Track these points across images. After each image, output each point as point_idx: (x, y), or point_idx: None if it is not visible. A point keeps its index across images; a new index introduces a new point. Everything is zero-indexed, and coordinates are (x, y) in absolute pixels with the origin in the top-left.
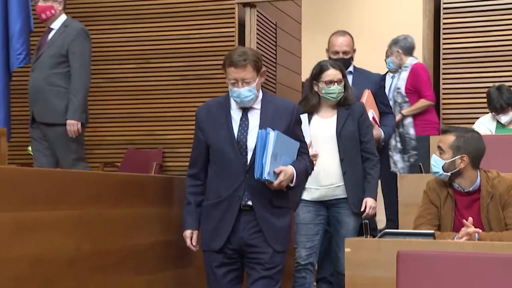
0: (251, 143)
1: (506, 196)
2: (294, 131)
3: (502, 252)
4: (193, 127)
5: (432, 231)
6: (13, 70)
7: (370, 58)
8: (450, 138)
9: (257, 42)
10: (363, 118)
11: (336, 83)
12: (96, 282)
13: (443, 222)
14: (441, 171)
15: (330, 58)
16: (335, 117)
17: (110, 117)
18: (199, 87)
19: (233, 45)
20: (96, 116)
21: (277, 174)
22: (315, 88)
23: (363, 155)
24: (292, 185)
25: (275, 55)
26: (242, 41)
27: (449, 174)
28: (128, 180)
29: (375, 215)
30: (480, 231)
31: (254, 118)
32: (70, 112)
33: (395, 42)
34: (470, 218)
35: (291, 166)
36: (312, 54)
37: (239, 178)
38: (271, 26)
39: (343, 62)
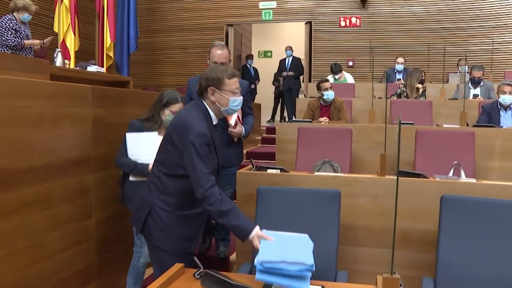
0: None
1: (339, 106)
2: None
3: (338, 127)
4: None
5: (311, 120)
6: (131, 53)
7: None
8: (329, 83)
9: (233, 45)
10: None
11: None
12: None
13: (315, 117)
14: (332, 96)
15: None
16: None
17: (167, 74)
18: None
19: None
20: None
21: None
22: None
23: None
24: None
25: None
26: (226, 44)
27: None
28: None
29: None
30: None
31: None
32: None
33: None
34: (325, 117)
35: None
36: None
37: None
38: (239, 35)
39: None
